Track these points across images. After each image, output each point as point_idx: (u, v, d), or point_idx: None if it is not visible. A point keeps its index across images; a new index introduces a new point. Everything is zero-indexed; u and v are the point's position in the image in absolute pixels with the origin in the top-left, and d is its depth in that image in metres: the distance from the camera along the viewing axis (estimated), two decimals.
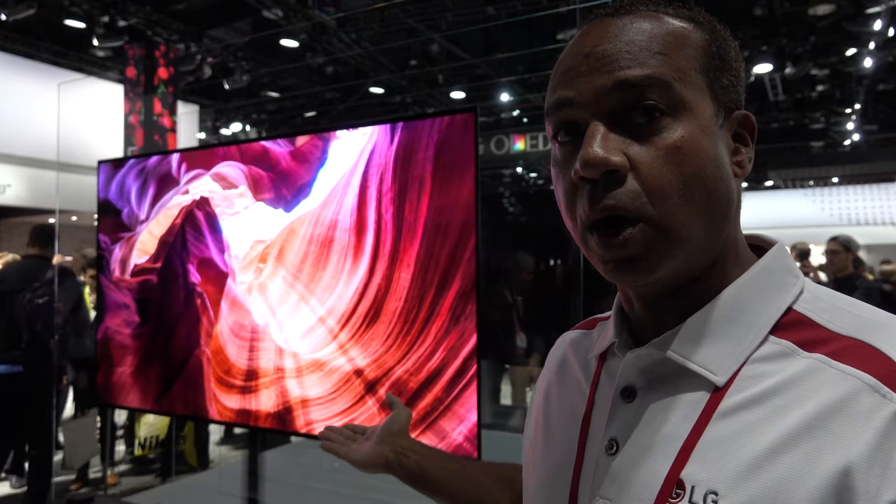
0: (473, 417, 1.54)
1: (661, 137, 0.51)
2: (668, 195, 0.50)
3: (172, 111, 7.34)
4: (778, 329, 0.53)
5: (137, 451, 4.59)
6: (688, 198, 0.50)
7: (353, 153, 1.74)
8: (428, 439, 1.59)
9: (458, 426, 1.56)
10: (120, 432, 4.68)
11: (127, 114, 7.32)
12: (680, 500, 0.50)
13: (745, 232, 0.62)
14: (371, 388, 1.68)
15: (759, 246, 0.60)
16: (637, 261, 0.51)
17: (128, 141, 7.31)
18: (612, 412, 0.58)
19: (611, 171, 0.50)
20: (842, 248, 4.20)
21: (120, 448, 4.64)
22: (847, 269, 4.23)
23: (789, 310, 0.54)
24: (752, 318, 0.54)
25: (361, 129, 1.73)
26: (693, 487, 0.50)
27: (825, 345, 0.51)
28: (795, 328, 0.53)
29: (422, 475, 0.90)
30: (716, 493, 0.49)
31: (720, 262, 0.56)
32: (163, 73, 7.33)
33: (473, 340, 1.54)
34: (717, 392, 0.52)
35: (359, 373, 1.70)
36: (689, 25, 0.55)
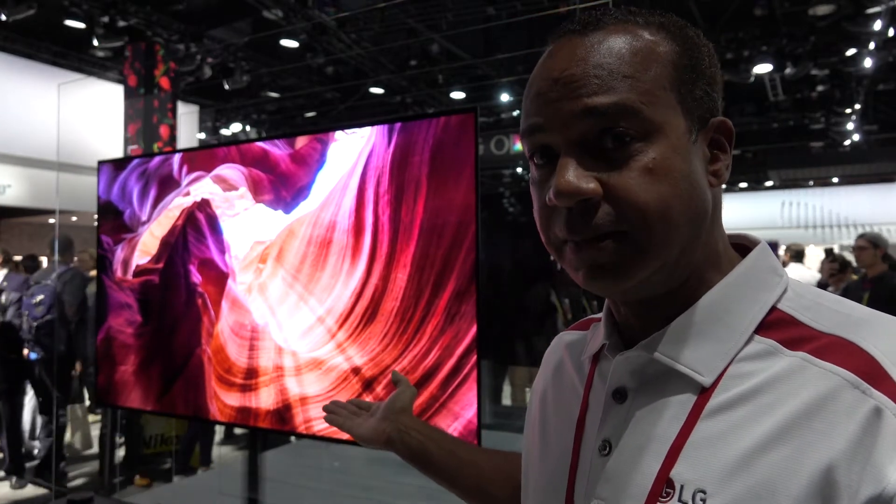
0: (468, 415, 1.55)
1: (634, 160, 0.51)
2: (644, 216, 0.51)
3: (172, 125, 7.34)
4: (762, 328, 0.54)
5: (145, 450, 4.61)
6: (662, 217, 0.51)
7: (351, 155, 1.75)
8: None
9: (454, 423, 1.57)
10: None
11: (126, 123, 7.33)
12: (669, 500, 0.51)
13: (734, 231, 0.62)
14: (368, 385, 1.69)
15: (744, 245, 0.61)
16: (608, 269, 0.52)
17: (128, 141, 7.32)
18: (604, 413, 0.59)
19: (585, 199, 0.51)
20: (869, 245, 4.06)
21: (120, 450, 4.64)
22: (877, 266, 4.07)
23: (773, 309, 0.55)
24: (736, 318, 0.55)
25: (360, 131, 1.74)
26: (682, 487, 0.51)
27: (808, 343, 0.52)
28: (779, 327, 0.54)
29: (424, 455, 0.90)
30: (704, 492, 0.50)
31: (700, 267, 0.56)
32: (165, 83, 7.33)
33: (468, 339, 1.55)
34: (705, 392, 0.53)
35: (356, 371, 1.71)
36: (659, 37, 0.54)
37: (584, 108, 0.51)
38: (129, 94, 7.32)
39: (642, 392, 0.57)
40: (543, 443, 0.68)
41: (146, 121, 7.13)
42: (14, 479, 4.55)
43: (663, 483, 0.52)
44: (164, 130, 7.22)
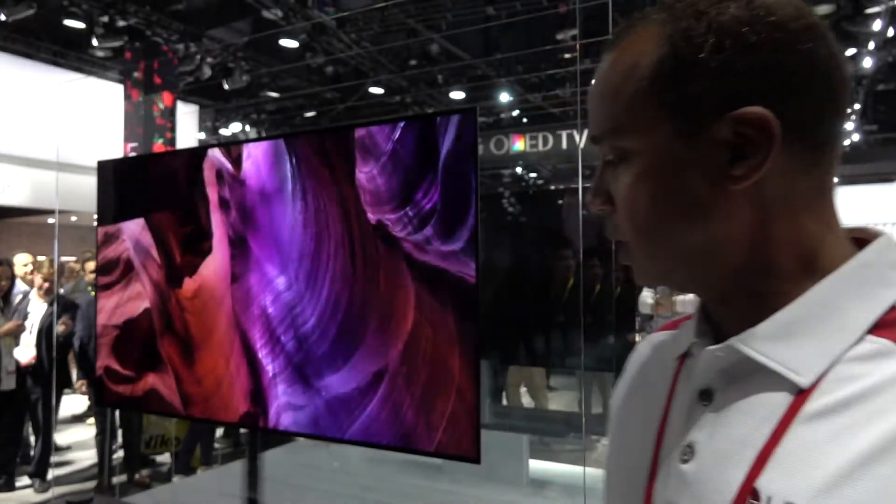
0: (461, 410, 1.55)
1: (619, 181, 0.56)
2: (627, 230, 0.57)
3: (171, 139, 7.37)
4: (878, 327, 0.48)
5: (143, 450, 4.61)
6: (637, 232, 0.56)
7: (349, 156, 1.74)
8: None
9: (447, 417, 1.57)
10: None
11: (126, 135, 7.35)
12: None
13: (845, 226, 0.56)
14: (364, 381, 1.70)
15: (863, 239, 0.54)
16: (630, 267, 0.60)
17: (127, 140, 7.33)
18: (689, 416, 0.55)
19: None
20: None
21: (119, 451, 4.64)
22: None
23: (893, 307, 0.49)
24: (845, 315, 0.49)
25: (358, 131, 1.74)
26: (769, 499, 0.46)
27: None
28: None
29: None
30: None
31: (771, 265, 0.51)
32: (167, 99, 7.35)
33: (463, 337, 1.55)
34: (802, 394, 0.48)
35: (352, 367, 1.72)
36: (652, 43, 0.51)
37: (591, 138, 0.60)
38: (127, 115, 7.35)
39: (730, 392, 0.52)
40: (621, 446, 0.65)
41: (145, 140, 7.16)
42: (37, 482, 4.52)
43: (748, 493, 0.47)
44: (159, 147, 7.24)
